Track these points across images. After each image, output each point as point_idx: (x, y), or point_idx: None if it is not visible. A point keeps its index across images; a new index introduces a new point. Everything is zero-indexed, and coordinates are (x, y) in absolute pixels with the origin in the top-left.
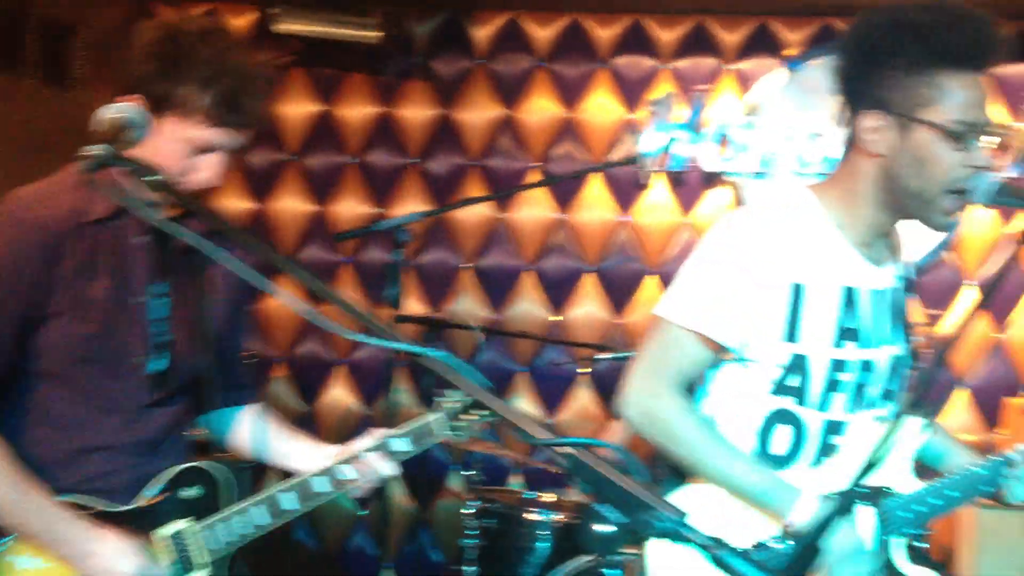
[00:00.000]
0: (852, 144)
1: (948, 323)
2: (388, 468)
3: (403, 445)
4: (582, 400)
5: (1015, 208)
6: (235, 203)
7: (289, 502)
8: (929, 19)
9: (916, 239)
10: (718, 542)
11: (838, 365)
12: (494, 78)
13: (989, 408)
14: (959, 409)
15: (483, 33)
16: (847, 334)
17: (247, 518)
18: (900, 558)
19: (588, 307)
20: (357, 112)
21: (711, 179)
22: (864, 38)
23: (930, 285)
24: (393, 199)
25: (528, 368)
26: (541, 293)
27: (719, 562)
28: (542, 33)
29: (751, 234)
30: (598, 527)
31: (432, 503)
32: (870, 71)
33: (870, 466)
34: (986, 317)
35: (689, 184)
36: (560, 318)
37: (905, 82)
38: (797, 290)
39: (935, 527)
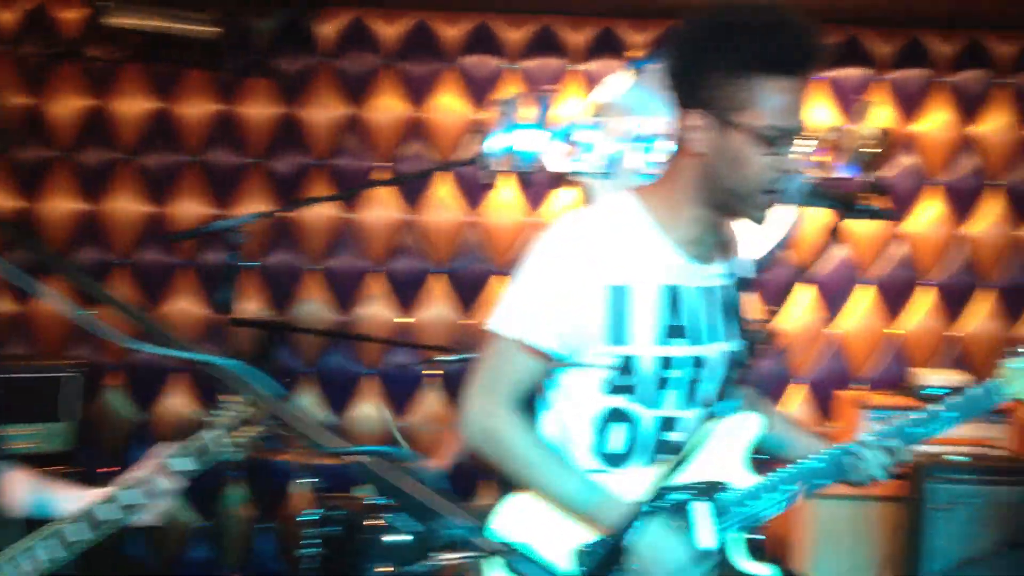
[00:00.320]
0: (678, 143)
1: (783, 319)
2: (174, 486)
3: (185, 464)
4: (431, 402)
5: (824, 208)
6: (65, 204)
7: (77, 533)
8: (749, 23)
9: (755, 237)
10: (511, 548)
11: (667, 363)
12: (339, 76)
13: (822, 401)
14: (794, 402)
15: (328, 30)
16: (674, 332)
17: (34, 554)
18: (738, 554)
19: (437, 308)
20: (196, 109)
21: (558, 179)
22: (688, 39)
23: (767, 282)
24: (235, 199)
25: (375, 371)
26: (389, 294)
27: (513, 569)
28: (389, 31)
29: (569, 242)
30: (390, 537)
31: (274, 511)
32: (693, 72)
33: (679, 463)
34: (819, 313)
35: (537, 184)
36: (409, 319)
37: (724, 84)
38: (618, 292)
39: (772, 521)
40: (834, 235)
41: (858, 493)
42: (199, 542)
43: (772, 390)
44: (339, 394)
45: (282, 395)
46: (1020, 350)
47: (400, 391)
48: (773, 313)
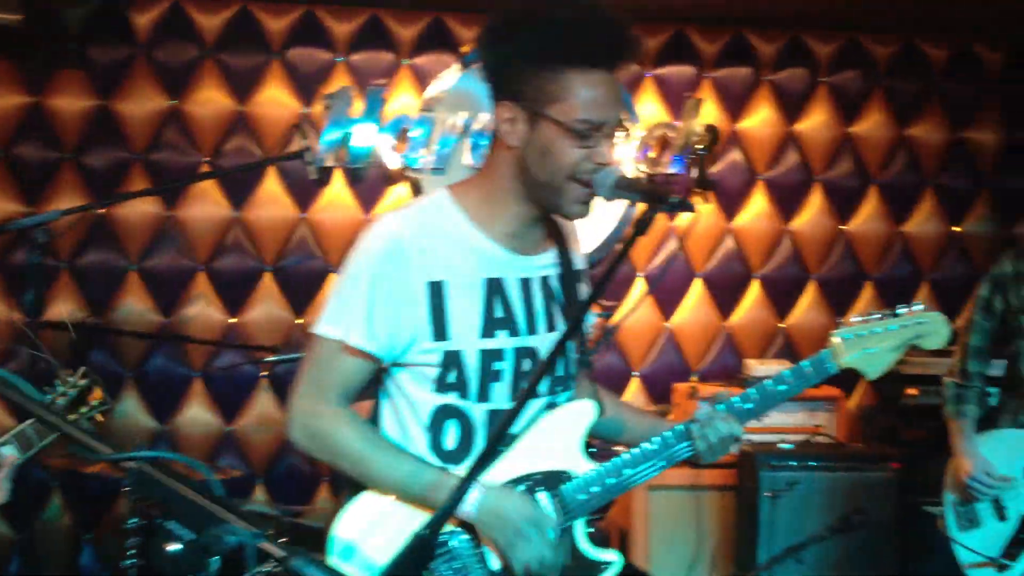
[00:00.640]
0: (494, 136)
1: (621, 313)
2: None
3: (10, 451)
4: (263, 404)
5: (634, 202)
6: None
7: None
8: (559, 16)
9: (589, 230)
10: (294, 553)
11: (492, 355)
12: (157, 68)
13: (660, 392)
14: (632, 393)
15: (144, 19)
16: (497, 324)
17: None
18: (584, 541)
19: (267, 307)
20: (2, 102)
21: (391, 175)
22: (500, 31)
23: (602, 277)
24: (46, 196)
25: (203, 373)
26: (215, 294)
27: (293, 574)
28: (208, 22)
29: (387, 241)
30: (168, 545)
31: (96, 521)
32: (505, 64)
33: (490, 453)
34: (655, 307)
35: (368, 180)
36: (236, 320)
37: (534, 76)
38: (437, 288)
39: (612, 512)
40: (642, 228)
41: (691, 483)
42: (15, 556)
43: (610, 382)
44: (164, 398)
45: (45, 401)
46: (851, 320)
47: (230, 394)
48: (609, 307)
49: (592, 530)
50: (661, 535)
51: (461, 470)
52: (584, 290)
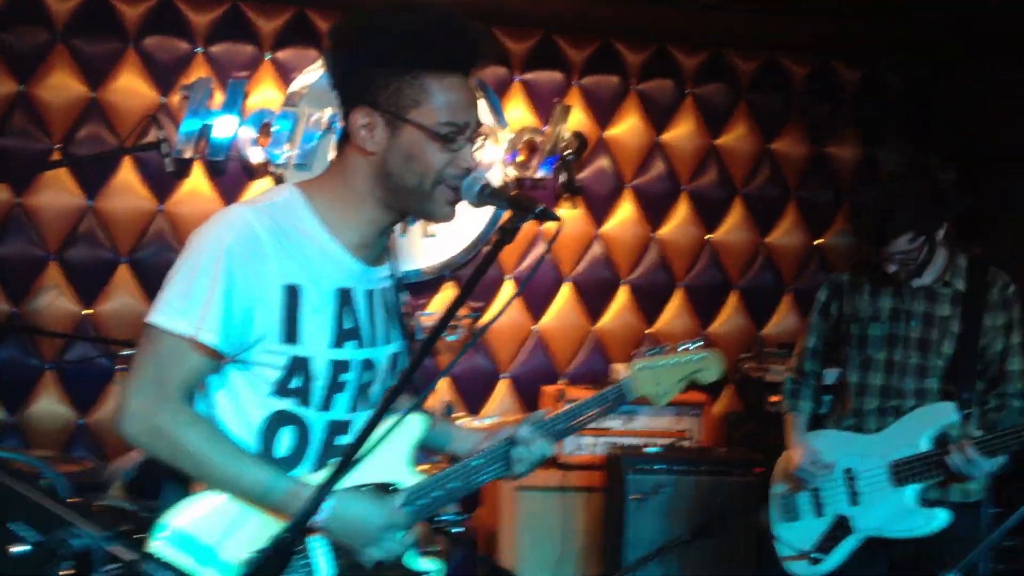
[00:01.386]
0: (347, 140)
1: (490, 315)
2: None
3: None
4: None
5: (499, 208)
6: None
7: None
8: (413, 21)
9: (458, 232)
10: (146, 557)
11: (340, 366)
12: (4, 52)
13: (529, 395)
14: (500, 395)
15: None
16: (346, 335)
17: None
18: (407, 552)
19: (123, 299)
20: None
21: (252, 170)
22: (351, 37)
23: (470, 280)
24: None
25: (55, 365)
26: (68, 285)
27: None
28: (60, 5)
29: (241, 234)
30: (13, 548)
31: None
32: (359, 70)
33: (343, 470)
34: (524, 309)
35: (230, 174)
36: (91, 311)
37: (393, 81)
38: (292, 292)
39: (481, 511)
40: (508, 236)
41: (560, 484)
42: None
43: (478, 384)
44: (15, 391)
45: None
46: (646, 352)
47: (84, 387)
48: (477, 308)
49: (462, 530)
50: (529, 536)
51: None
52: (404, 299)
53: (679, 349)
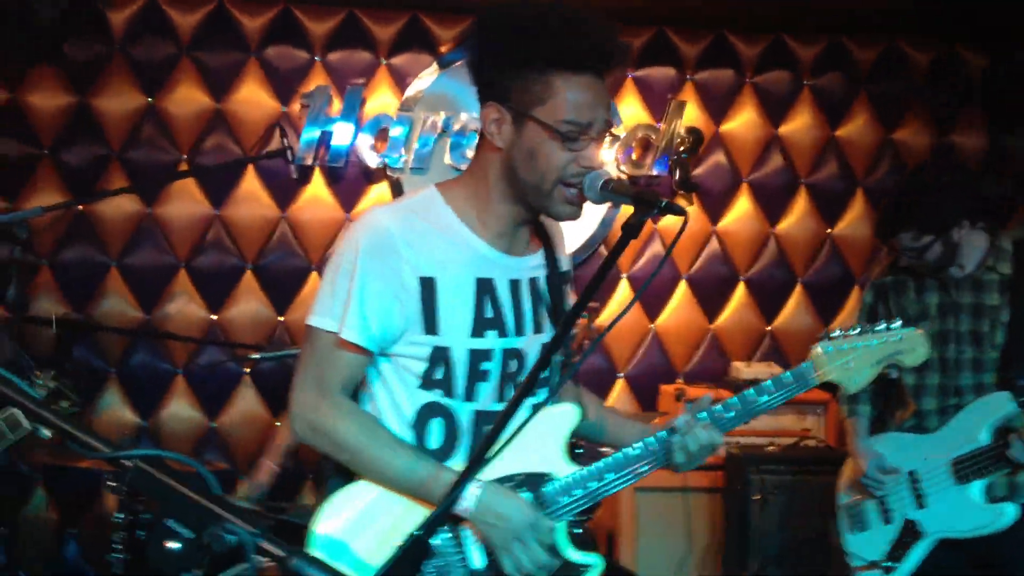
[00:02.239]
0: (482, 136)
1: (606, 314)
2: None
3: None
4: (247, 401)
5: (621, 204)
6: None
7: None
8: (547, 19)
9: (571, 232)
10: (294, 552)
11: (480, 355)
12: (134, 65)
13: (646, 394)
14: (617, 395)
15: (119, 16)
16: (486, 324)
17: None
18: (566, 544)
19: (249, 305)
20: None
21: (370, 174)
22: (487, 32)
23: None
24: (24, 193)
25: (185, 370)
26: (197, 291)
27: (291, 574)
28: (184, 20)
29: (376, 234)
30: (169, 543)
31: (81, 515)
32: (492, 65)
33: (481, 458)
34: (641, 309)
35: (348, 179)
36: (216, 317)
37: (521, 78)
38: (428, 284)
39: (599, 513)
40: (632, 232)
41: (679, 484)
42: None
43: (596, 384)
44: (146, 395)
45: (35, 396)
46: (831, 335)
47: (212, 391)
48: (595, 309)
49: (580, 531)
50: (649, 537)
51: (454, 467)
52: (569, 293)
53: (876, 330)
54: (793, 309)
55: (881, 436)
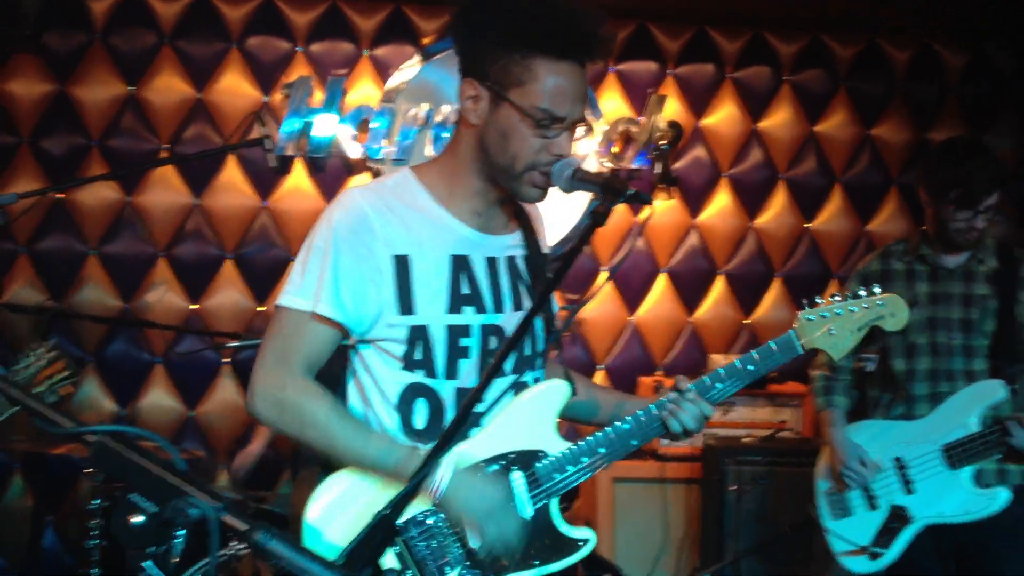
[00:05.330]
0: (460, 114)
1: (588, 307)
2: None
3: None
4: (226, 390)
5: (591, 193)
6: None
7: None
8: (536, 4)
9: (556, 223)
10: (257, 528)
11: (459, 331)
12: (114, 54)
13: (626, 386)
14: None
15: (101, 5)
16: (463, 300)
17: None
18: (560, 520)
19: (228, 294)
20: None
21: (351, 166)
22: (474, 9)
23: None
24: (2, 180)
25: (164, 359)
26: (176, 280)
27: (255, 547)
28: (166, 9)
29: (349, 213)
30: (133, 518)
31: (58, 503)
32: (474, 41)
33: (455, 432)
34: (620, 301)
35: (329, 170)
36: (196, 306)
37: (503, 58)
38: (403, 262)
39: (577, 503)
40: (599, 220)
41: (657, 476)
42: None
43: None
44: (125, 384)
45: (3, 373)
46: (816, 301)
47: (192, 380)
48: (573, 300)
49: (565, 505)
50: (627, 527)
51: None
52: (549, 274)
53: (859, 295)
54: (771, 303)
55: (859, 424)
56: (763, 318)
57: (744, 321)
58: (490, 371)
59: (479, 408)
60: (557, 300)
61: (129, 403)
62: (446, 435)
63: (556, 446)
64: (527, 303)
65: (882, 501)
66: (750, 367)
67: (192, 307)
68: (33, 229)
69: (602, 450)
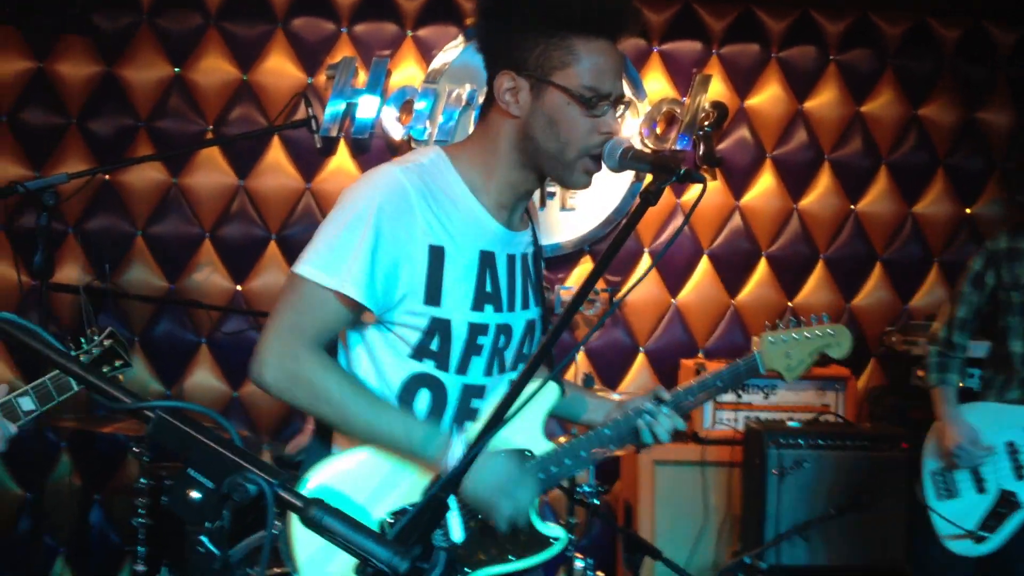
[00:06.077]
0: (491, 104)
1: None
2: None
3: (28, 404)
4: None
5: (642, 172)
6: None
7: None
8: None
9: (596, 206)
10: (312, 503)
11: (479, 329)
12: (161, 35)
13: (667, 369)
14: (638, 369)
15: None
16: (486, 298)
17: None
18: (535, 517)
19: (273, 275)
20: (7, 67)
21: (394, 147)
22: (499, 3)
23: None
24: (51, 161)
25: (209, 339)
26: (221, 261)
27: (311, 523)
28: None
29: (392, 191)
30: (191, 492)
31: (105, 481)
32: (506, 32)
33: (493, 427)
34: (662, 283)
35: (372, 151)
36: (240, 287)
37: (539, 44)
38: (437, 253)
39: (619, 484)
40: (650, 199)
41: (698, 459)
42: (24, 515)
43: (617, 358)
44: (170, 364)
45: (61, 349)
46: (779, 325)
47: (236, 360)
48: (616, 284)
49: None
50: (667, 510)
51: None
52: (542, 269)
53: (812, 324)
54: (815, 285)
55: (973, 405)
56: (806, 301)
57: (787, 304)
58: (527, 370)
59: (476, 404)
60: (599, 283)
61: (174, 383)
62: (489, 424)
63: (542, 446)
64: (532, 300)
65: (991, 485)
66: (719, 383)
67: (237, 288)
68: (81, 210)
69: (583, 453)
